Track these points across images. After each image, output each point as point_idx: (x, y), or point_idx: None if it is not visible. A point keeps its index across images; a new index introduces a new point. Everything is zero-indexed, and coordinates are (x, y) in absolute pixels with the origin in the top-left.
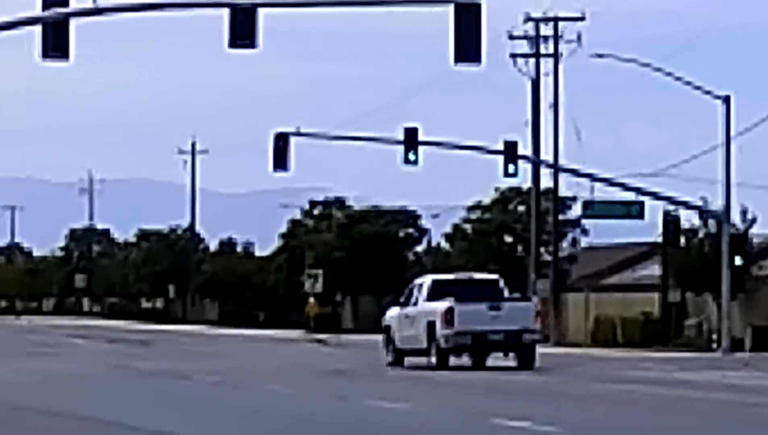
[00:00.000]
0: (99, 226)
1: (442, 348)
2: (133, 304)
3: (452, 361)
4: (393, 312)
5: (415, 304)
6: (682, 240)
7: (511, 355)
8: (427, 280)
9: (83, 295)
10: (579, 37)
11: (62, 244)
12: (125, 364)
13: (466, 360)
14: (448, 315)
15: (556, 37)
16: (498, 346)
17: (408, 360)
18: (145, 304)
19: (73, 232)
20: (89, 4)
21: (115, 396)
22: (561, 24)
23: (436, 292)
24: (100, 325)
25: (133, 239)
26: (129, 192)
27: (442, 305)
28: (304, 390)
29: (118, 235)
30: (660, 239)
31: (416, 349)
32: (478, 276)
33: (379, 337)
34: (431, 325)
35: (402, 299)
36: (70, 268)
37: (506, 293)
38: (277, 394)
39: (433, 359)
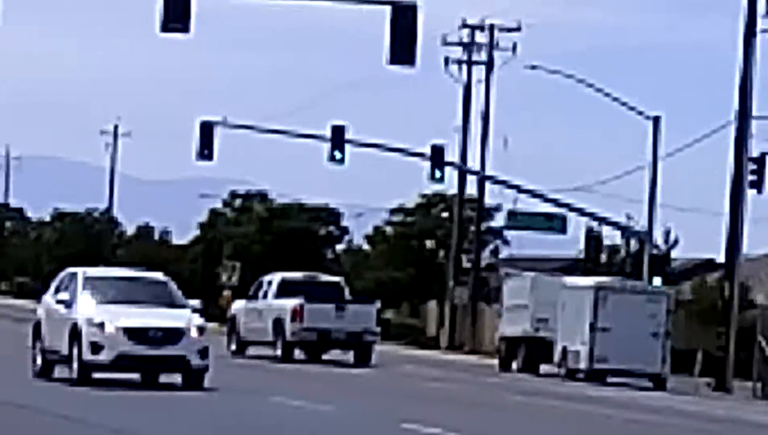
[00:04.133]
0: (13, 204)
1: (288, 341)
2: (44, 285)
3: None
4: (239, 304)
5: (264, 298)
6: (604, 257)
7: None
8: (276, 277)
9: None
10: (514, 47)
11: None
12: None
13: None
14: (298, 312)
15: (491, 46)
16: (340, 343)
17: (250, 350)
18: None
19: None
20: None
21: (23, 377)
22: (497, 33)
23: (284, 289)
24: (8, 303)
25: (47, 219)
26: (46, 170)
27: (292, 302)
28: (210, 383)
29: (33, 214)
30: (581, 255)
31: (261, 340)
32: (323, 278)
33: None
34: (279, 320)
35: (250, 293)
36: None
37: (347, 295)
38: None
39: (279, 351)
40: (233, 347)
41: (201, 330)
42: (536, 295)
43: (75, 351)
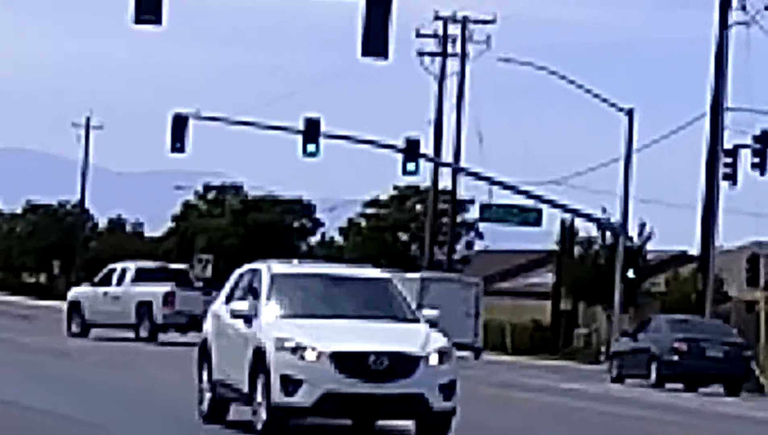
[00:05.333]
0: None
1: (157, 324)
2: (15, 278)
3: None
4: (83, 289)
5: (119, 284)
6: (578, 250)
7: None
8: (130, 265)
9: None
10: (488, 40)
11: None
12: (4, 338)
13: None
14: (170, 297)
15: (464, 38)
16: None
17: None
18: (28, 279)
19: None
20: None
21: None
22: (471, 25)
23: (140, 276)
24: None
25: (20, 211)
26: (18, 162)
27: (163, 288)
28: (186, 376)
29: (5, 207)
30: (556, 247)
31: (114, 323)
32: (173, 266)
33: None
34: (143, 304)
35: (96, 280)
36: None
37: (195, 282)
38: (161, 379)
39: (144, 333)
40: (76, 329)
41: (444, 355)
42: None
43: (260, 388)
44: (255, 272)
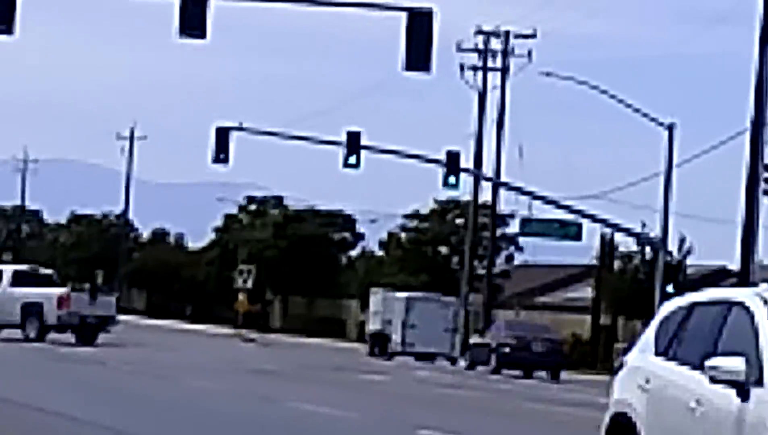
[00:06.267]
0: (30, 206)
1: (48, 324)
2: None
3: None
4: None
5: None
6: (617, 264)
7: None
8: (7, 268)
9: None
10: (529, 54)
11: None
12: (45, 348)
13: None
14: (65, 299)
15: (505, 52)
16: (92, 326)
17: None
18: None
19: (2, 210)
20: None
21: (37, 380)
22: (513, 40)
23: (17, 279)
24: None
25: (64, 222)
26: (63, 173)
27: (56, 290)
28: (225, 387)
29: (50, 217)
30: (595, 262)
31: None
32: (42, 270)
33: (308, 340)
34: (31, 305)
35: None
36: None
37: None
38: (199, 390)
39: (32, 333)
40: None
41: None
42: (384, 304)
43: None
44: (728, 308)
